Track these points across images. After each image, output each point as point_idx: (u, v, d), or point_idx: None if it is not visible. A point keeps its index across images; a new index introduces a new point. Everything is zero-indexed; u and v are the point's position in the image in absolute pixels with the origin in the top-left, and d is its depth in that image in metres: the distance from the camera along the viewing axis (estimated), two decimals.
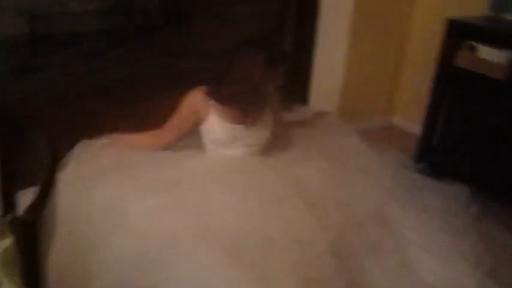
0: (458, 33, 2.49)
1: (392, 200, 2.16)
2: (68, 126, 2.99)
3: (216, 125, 1.97)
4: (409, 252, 1.91)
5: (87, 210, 1.78)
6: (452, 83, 2.60)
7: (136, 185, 1.88)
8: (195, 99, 2.02)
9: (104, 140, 2.10)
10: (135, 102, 3.41)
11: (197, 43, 4.89)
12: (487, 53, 2.35)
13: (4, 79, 2.90)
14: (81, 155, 2.01)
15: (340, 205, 2.00)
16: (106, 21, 5.32)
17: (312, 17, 2.97)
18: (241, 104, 2.02)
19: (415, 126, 3.04)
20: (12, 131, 1.16)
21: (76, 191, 1.82)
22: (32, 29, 4.62)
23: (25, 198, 1.40)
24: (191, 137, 2.13)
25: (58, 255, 1.59)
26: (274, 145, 2.17)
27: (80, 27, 5.21)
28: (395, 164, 2.41)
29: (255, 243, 1.67)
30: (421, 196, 2.24)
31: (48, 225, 1.02)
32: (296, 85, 3.37)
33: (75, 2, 4.76)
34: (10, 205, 1.28)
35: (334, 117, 2.71)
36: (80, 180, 1.90)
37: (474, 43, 2.38)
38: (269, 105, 2.12)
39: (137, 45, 4.97)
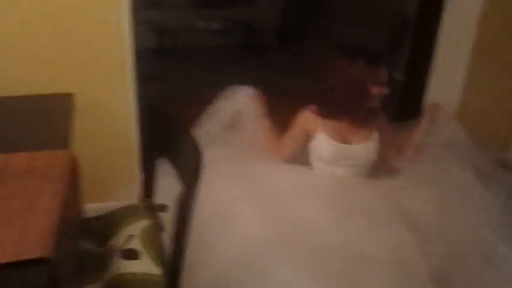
0: None
1: (500, 239, 2.07)
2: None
3: (323, 143, 2.01)
4: None
5: (203, 204, 1.91)
6: None
7: (246, 193, 1.98)
8: (306, 117, 2.04)
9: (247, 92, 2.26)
10: None
11: (309, 63, 5.03)
12: None
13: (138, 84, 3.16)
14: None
15: (443, 236, 1.96)
16: (225, 39, 5.72)
17: (429, 44, 2.95)
18: (348, 120, 2.05)
19: None
20: (158, 128, 1.34)
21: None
22: (161, 43, 5.11)
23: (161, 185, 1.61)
24: (301, 155, 2.17)
25: None
26: (381, 168, 2.18)
27: (202, 43, 5.65)
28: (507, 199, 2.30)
29: (359, 262, 1.69)
30: None
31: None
32: (410, 104, 3.34)
33: (202, 21, 5.19)
34: (148, 192, 1.48)
35: (448, 115, 2.58)
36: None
37: None
38: (376, 126, 2.12)
39: (252, 63, 5.27)
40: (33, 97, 1.61)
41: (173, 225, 1.15)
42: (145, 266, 1.23)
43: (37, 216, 0.92)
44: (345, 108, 1.98)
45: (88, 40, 1.95)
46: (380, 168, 2.13)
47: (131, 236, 1.32)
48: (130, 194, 1.82)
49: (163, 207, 1.51)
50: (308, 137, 2.05)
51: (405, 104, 3.38)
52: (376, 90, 1.92)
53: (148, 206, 1.46)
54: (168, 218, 1.48)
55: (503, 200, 2.27)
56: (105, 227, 1.38)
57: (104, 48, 1.99)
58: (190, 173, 1.10)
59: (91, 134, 2.07)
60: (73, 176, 1.16)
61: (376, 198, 1.96)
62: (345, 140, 2.00)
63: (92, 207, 1.55)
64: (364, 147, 2.01)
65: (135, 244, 1.29)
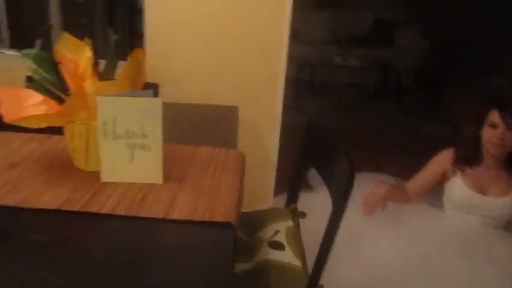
0: None
1: None
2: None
3: (457, 187, 1.99)
4: None
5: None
6: None
7: (373, 224, 2.05)
8: (445, 158, 2.05)
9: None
10: (374, 155, 3.70)
11: (445, 110, 4.98)
12: None
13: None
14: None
15: None
16: (362, 77, 5.88)
17: None
18: (488, 169, 2.02)
19: None
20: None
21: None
22: (301, 76, 5.44)
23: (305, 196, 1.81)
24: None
25: None
26: None
27: (339, 79, 5.88)
28: None
29: None
30: None
31: None
32: None
33: (340, 57, 5.43)
34: (293, 199, 1.68)
35: None
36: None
37: None
38: None
39: (387, 103, 5.36)
40: (208, 106, 1.94)
41: (324, 234, 1.30)
42: (289, 257, 1.42)
43: (223, 193, 1.17)
44: (484, 167, 1.95)
45: (253, 62, 2.27)
46: None
47: (277, 231, 1.52)
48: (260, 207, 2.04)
49: (303, 215, 1.71)
50: (444, 177, 2.06)
51: None
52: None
53: (292, 210, 1.66)
54: (303, 224, 1.67)
55: None
56: (254, 221, 1.61)
57: (264, 75, 2.29)
58: (340, 190, 1.26)
59: (241, 144, 2.38)
60: (243, 171, 1.40)
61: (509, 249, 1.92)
62: (481, 190, 1.97)
63: None
64: (501, 201, 1.94)
65: (281, 238, 1.49)
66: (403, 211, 2.08)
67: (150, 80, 2.17)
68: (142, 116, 1.16)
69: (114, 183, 1.18)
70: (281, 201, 1.82)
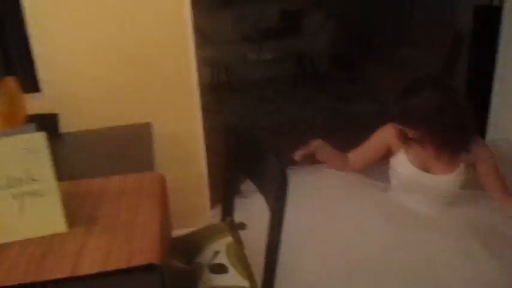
0: None
1: None
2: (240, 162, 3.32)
3: (402, 164, 1.93)
4: None
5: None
6: None
7: (325, 219, 1.90)
8: (389, 132, 1.97)
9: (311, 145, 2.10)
10: (303, 143, 3.64)
11: (365, 88, 5.05)
12: None
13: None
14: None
15: None
16: (279, 69, 5.84)
17: (487, 61, 2.89)
18: (433, 148, 1.90)
19: None
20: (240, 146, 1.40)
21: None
22: (215, 77, 5.29)
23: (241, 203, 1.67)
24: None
25: None
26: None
27: (257, 74, 5.80)
28: None
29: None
30: None
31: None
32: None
33: (253, 53, 5.34)
34: (228, 211, 1.53)
35: None
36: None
37: None
38: (466, 157, 1.89)
39: (306, 91, 5.34)
40: (115, 128, 1.74)
41: (266, 246, 1.17)
42: (234, 279, 1.27)
43: (142, 226, 0.99)
44: (430, 143, 1.88)
45: (160, 73, 2.09)
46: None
47: (217, 252, 1.36)
48: (199, 222, 1.88)
49: (243, 226, 1.56)
50: (389, 152, 1.98)
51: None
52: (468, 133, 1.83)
53: (229, 224, 1.50)
54: (244, 235, 1.54)
55: None
56: (190, 245, 1.44)
57: (175, 82, 2.12)
58: (275, 196, 1.13)
59: (164, 161, 2.18)
60: (164, 194, 1.23)
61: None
62: (424, 167, 1.91)
63: None
64: (445, 179, 1.89)
65: (222, 259, 1.34)
66: (352, 187, 2.04)
67: (46, 110, 1.93)
68: (26, 157, 0.95)
69: (3, 244, 0.96)
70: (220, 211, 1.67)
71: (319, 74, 5.64)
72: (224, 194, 1.53)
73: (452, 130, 1.80)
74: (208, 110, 4.70)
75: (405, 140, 1.91)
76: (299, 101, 4.95)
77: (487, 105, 2.89)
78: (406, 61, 4.42)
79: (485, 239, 1.74)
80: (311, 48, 5.61)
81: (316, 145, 2.06)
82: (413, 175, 1.90)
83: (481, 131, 2.95)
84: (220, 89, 5.29)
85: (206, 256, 1.36)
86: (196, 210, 2.38)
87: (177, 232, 1.62)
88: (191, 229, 1.57)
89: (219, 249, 1.38)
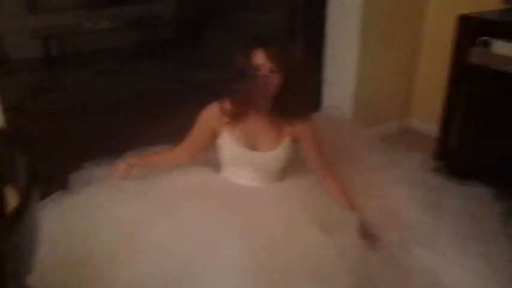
0: (472, 29, 2.41)
1: (411, 205, 2.06)
2: (84, 142, 3.02)
3: (226, 144, 1.88)
4: (434, 263, 1.79)
5: (101, 231, 1.74)
6: (467, 81, 2.52)
7: (152, 208, 1.80)
8: (210, 114, 1.88)
9: (127, 161, 2.00)
10: (151, 116, 3.42)
11: (210, 55, 4.90)
12: (502, 47, 2.26)
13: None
14: (101, 176, 2.02)
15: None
16: (120, 39, 5.41)
17: (320, 21, 2.93)
18: (255, 122, 1.86)
19: (434, 129, 2.95)
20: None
21: (89, 213, 1.81)
22: (47, 51, 4.72)
23: None
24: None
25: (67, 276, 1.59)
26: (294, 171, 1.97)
27: (93, 46, 5.31)
28: (413, 166, 2.32)
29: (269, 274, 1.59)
30: (442, 198, 2.13)
31: (26, 251, 0.98)
32: (308, 91, 3.33)
33: (90, 22, 4.86)
34: None
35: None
36: (94, 203, 1.84)
37: (488, 38, 2.29)
38: (290, 132, 1.89)
39: (150, 60, 5.04)
40: None
41: None
42: None
43: None
44: (248, 114, 1.84)
45: None
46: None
47: None
48: None
49: None
50: (216, 134, 1.89)
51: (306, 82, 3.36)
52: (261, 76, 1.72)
53: None
54: None
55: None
56: None
57: None
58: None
59: None
60: None
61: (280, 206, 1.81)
62: (250, 145, 1.86)
63: None
64: (271, 155, 1.86)
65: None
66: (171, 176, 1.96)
67: None
68: None
69: None
70: None
71: (164, 43, 5.36)
72: None
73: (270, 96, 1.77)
74: (42, 89, 4.20)
75: (228, 117, 1.82)
76: (143, 72, 4.66)
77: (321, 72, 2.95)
78: (253, 26, 4.37)
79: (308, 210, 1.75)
80: (154, 15, 5.30)
81: (128, 164, 1.98)
82: (239, 154, 1.85)
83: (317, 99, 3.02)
84: (53, 63, 4.75)
85: None
86: None
87: None
88: None
89: None
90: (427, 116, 3.25)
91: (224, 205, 1.78)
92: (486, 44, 2.32)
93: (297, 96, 1.82)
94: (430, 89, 3.17)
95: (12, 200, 1.08)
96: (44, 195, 1.90)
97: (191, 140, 1.95)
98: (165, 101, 3.80)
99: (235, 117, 1.84)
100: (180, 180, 1.91)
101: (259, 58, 1.70)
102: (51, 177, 2.09)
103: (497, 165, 2.47)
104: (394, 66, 3.15)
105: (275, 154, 1.86)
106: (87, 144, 3.05)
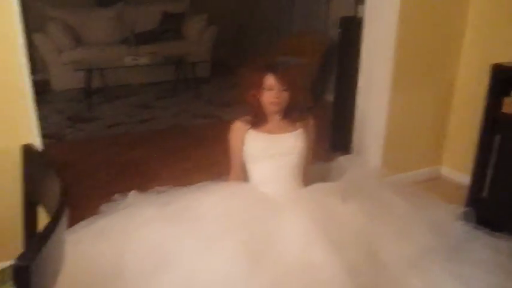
0: (505, 78, 2.40)
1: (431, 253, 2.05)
2: (116, 172, 3.11)
3: (253, 138, 2.17)
4: None
5: (124, 255, 1.83)
6: (500, 131, 2.49)
7: (175, 230, 1.94)
8: (236, 128, 2.20)
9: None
10: (181, 150, 3.49)
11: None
12: None
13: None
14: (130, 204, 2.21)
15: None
16: (158, 75, 5.58)
17: (353, 65, 2.97)
18: (272, 123, 2.19)
19: (464, 177, 2.89)
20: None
21: (111, 238, 1.96)
22: (87, 82, 4.90)
23: None
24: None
25: None
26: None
27: (133, 80, 5.49)
28: (442, 214, 2.30)
29: None
30: (471, 249, 2.10)
31: (51, 267, 1.01)
32: (338, 135, 3.34)
33: (130, 57, 5.04)
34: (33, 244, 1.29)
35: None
36: (116, 229, 2.02)
37: None
38: (300, 124, 2.23)
39: (186, 96, 5.16)
40: None
41: None
42: None
43: None
44: (262, 116, 2.18)
45: None
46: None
47: None
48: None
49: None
50: (244, 144, 2.18)
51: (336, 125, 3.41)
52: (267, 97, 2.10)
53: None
54: None
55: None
56: None
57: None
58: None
59: None
60: None
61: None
62: (271, 133, 2.18)
63: None
64: (290, 135, 2.19)
65: None
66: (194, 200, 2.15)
67: None
68: None
69: None
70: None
71: (200, 79, 5.50)
72: (26, 226, 1.30)
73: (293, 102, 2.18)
74: (80, 118, 4.36)
75: (254, 126, 2.18)
76: (178, 107, 4.78)
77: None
78: (285, 67, 4.45)
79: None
80: (192, 53, 5.46)
81: None
82: (264, 140, 2.17)
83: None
84: (93, 94, 4.93)
85: None
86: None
87: None
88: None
89: None
90: (458, 164, 3.19)
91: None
92: None
93: (300, 103, 2.25)
94: (462, 137, 3.12)
95: (41, 219, 1.12)
96: (74, 220, 1.96)
97: (235, 162, 2.22)
98: (195, 135, 3.89)
99: (256, 122, 2.19)
100: (220, 207, 2.05)
101: (270, 80, 2.11)
102: (82, 203, 2.16)
103: None
104: (426, 113, 3.13)
105: (291, 135, 2.20)
106: (119, 173, 3.13)
